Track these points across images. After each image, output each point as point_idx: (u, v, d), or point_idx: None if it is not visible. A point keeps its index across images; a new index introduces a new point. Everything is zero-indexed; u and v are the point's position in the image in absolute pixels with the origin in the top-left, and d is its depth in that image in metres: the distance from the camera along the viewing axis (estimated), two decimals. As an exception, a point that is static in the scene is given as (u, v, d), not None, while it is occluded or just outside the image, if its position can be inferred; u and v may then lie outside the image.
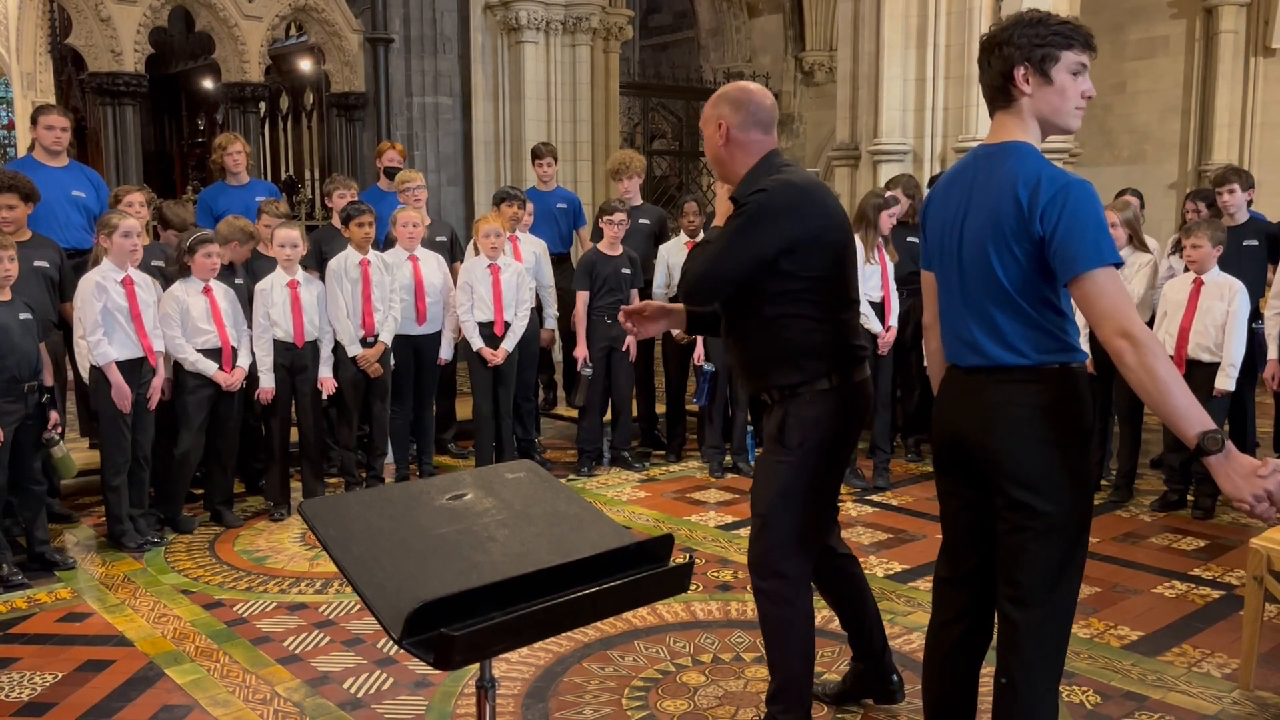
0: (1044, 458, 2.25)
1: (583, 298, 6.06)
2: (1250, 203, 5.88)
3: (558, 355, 7.50)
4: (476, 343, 5.75)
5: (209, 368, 4.99)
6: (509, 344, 5.79)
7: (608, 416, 6.31)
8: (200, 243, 5.00)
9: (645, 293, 6.42)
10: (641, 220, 6.63)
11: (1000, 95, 2.31)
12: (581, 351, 6.04)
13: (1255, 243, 5.72)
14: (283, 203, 6.14)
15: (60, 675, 3.56)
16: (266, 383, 5.22)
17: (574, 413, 6.64)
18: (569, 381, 7.46)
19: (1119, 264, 2.16)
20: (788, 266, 2.71)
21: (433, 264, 5.89)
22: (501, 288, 5.76)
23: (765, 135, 2.79)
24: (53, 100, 13.84)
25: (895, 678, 3.20)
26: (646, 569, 2.00)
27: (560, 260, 7.09)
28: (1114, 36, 10.59)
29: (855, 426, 2.87)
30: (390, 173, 7.01)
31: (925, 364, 3.19)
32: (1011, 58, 2.25)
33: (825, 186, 2.87)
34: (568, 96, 9.73)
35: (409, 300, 5.75)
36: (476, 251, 5.89)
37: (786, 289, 2.73)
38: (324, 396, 5.48)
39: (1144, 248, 5.57)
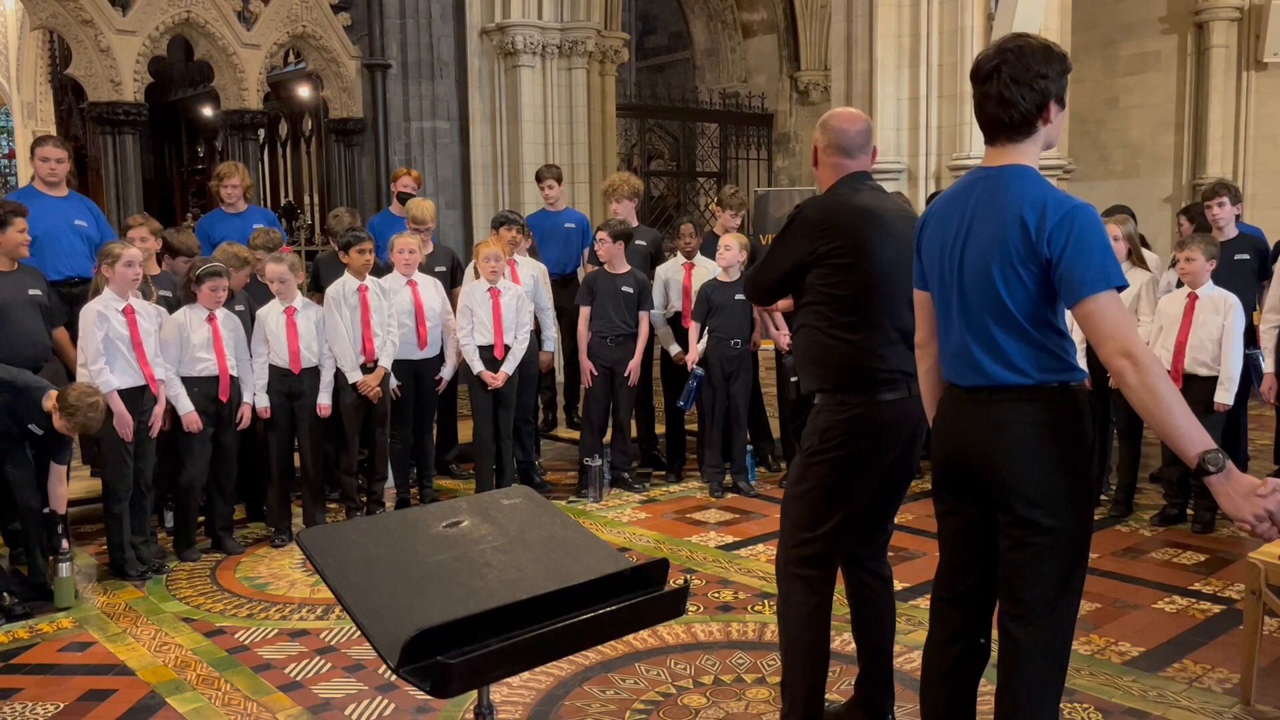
0: (1049, 475, 2.27)
1: (584, 313, 6.09)
2: (1239, 217, 5.91)
3: (560, 376, 7.52)
4: (477, 366, 5.76)
5: (184, 406, 4.97)
6: (509, 367, 5.81)
7: (607, 438, 6.31)
8: (210, 275, 5.03)
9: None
10: (638, 242, 6.65)
11: (1024, 126, 2.31)
12: (586, 365, 6.08)
13: (1246, 257, 5.75)
14: (275, 231, 6.16)
15: (62, 705, 3.56)
16: (260, 402, 5.26)
17: (574, 434, 6.66)
18: (570, 402, 7.49)
19: (1123, 286, 2.20)
20: (812, 279, 2.90)
21: (431, 288, 5.92)
22: (501, 311, 5.78)
23: (847, 159, 2.96)
24: (53, 129, 13.95)
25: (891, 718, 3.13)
26: (643, 593, 2.02)
27: (568, 280, 7.10)
28: (1106, 52, 10.65)
29: (870, 447, 2.87)
30: (404, 198, 7.03)
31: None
32: (1048, 91, 2.29)
33: (880, 211, 2.89)
34: (564, 119, 9.78)
35: (409, 325, 5.77)
36: (476, 275, 5.92)
37: (809, 301, 2.94)
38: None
39: (1142, 263, 5.59)
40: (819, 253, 2.84)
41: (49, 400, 4.32)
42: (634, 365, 6.09)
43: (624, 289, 6.05)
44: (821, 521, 2.91)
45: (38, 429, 4.36)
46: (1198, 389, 4.99)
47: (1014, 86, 2.28)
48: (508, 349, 5.81)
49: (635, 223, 6.80)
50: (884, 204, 2.94)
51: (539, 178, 7.38)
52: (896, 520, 5.45)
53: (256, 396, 5.27)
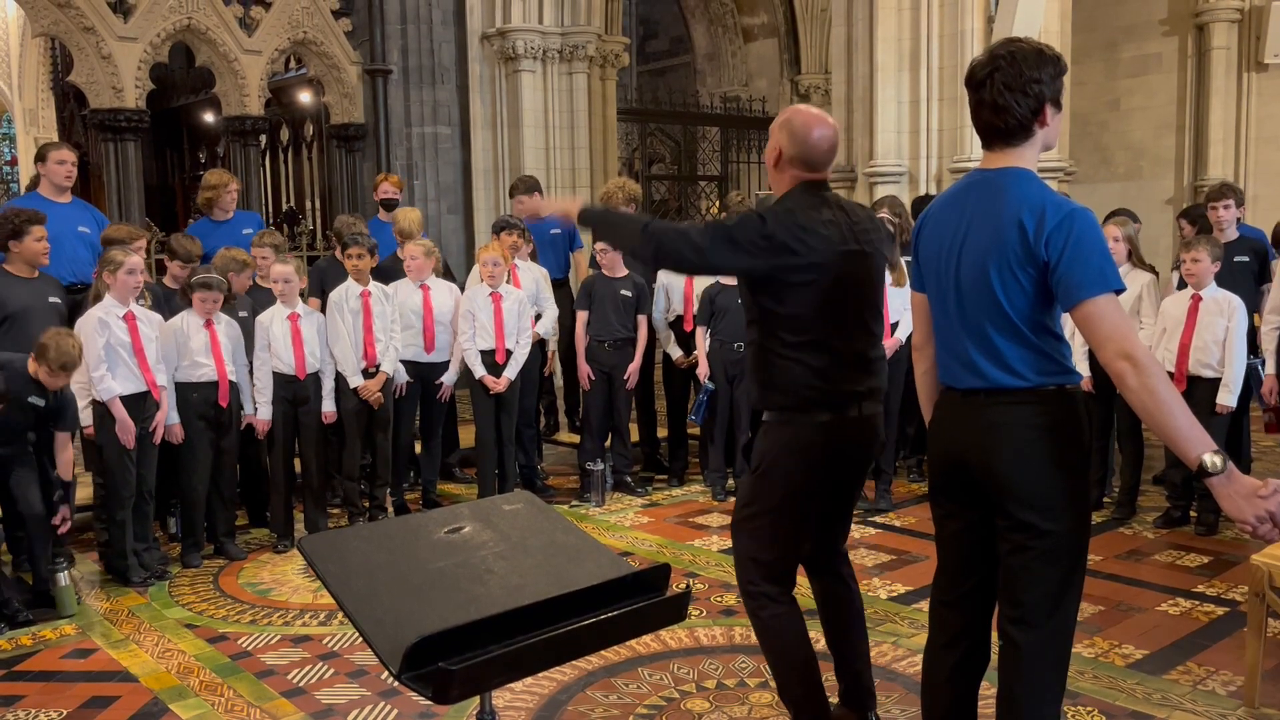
0: (1048, 478, 2.28)
1: (581, 317, 6.09)
2: (1240, 219, 5.89)
3: (559, 381, 7.52)
4: (479, 371, 5.77)
5: (171, 417, 4.99)
6: (511, 372, 5.81)
7: (608, 442, 6.31)
8: (199, 286, 5.04)
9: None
10: None
11: (1021, 131, 2.31)
12: (584, 369, 6.06)
13: (1246, 259, 5.73)
14: (275, 233, 6.15)
15: (65, 712, 3.56)
16: (263, 414, 5.25)
17: (575, 438, 6.65)
18: (571, 407, 7.48)
19: (1120, 290, 2.20)
20: (764, 295, 2.80)
21: (444, 292, 5.93)
22: (503, 316, 5.78)
23: (810, 172, 2.84)
24: (55, 136, 13.98)
25: (873, 717, 3.12)
26: (644, 599, 2.02)
27: (558, 285, 7.09)
28: (1107, 54, 10.64)
29: (818, 466, 2.83)
30: (387, 205, 7.05)
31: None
32: (1043, 95, 2.29)
33: (839, 228, 2.76)
34: (565, 124, 9.78)
35: (417, 327, 5.77)
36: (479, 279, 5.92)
37: (760, 317, 2.85)
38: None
39: (1143, 265, 5.58)
40: (776, 268, 2.73)
41: (31, 362, 4.33)
42: (633, 369, 6.10)
43: (622, 293, 6.05)
44: (774, 540, 2.90)
45: (38, 400, 4.38)
46: (1202, 391, 4.98)
47: (1008, 93, 2.28)
48: (509, 354, 5.81)
49: None
50: (840, 219, 2.81)
51: (510, 192, 7.31)
52: (897, 523, 5.48)
53: (259, 408, 5.27)
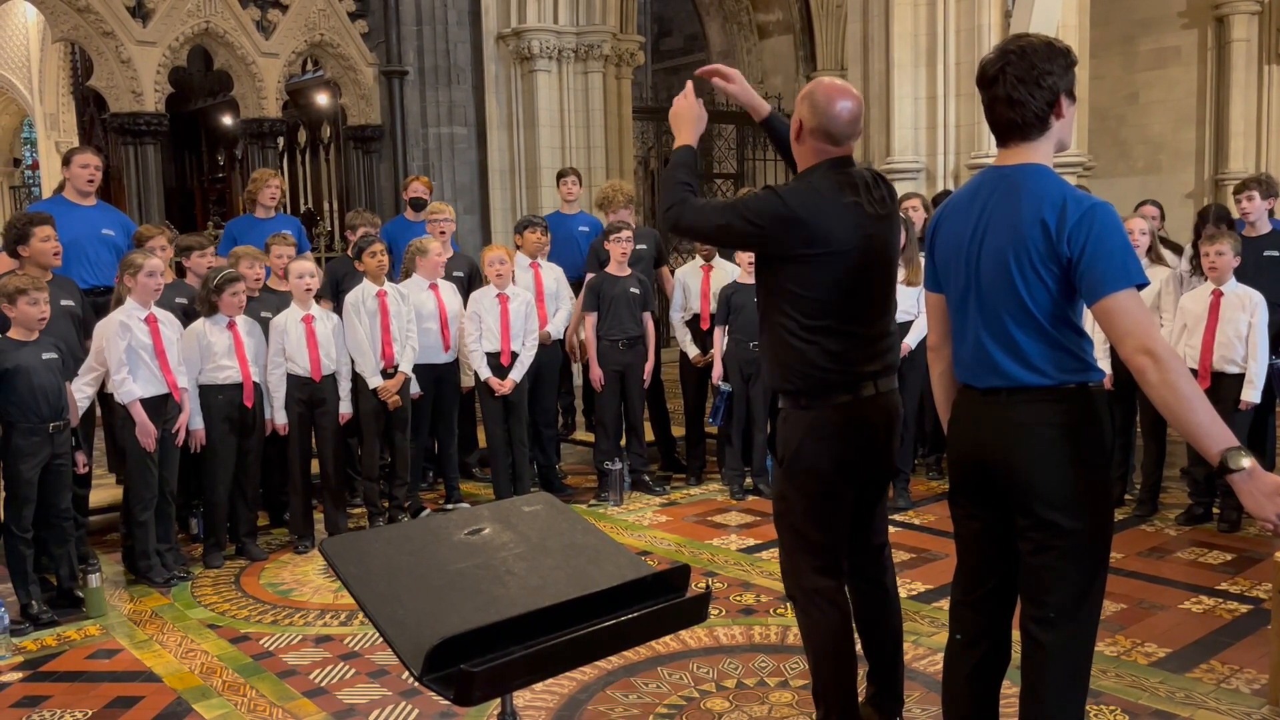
0: (1070, 476, 2.26)
1: (590, 319, 6.09)
2: (1272, 212, 5.80)
3: (578, 380, 7.52)
4: (485, 373, 5.76)
5: (194, 422, 5.04)
6: (516, 374, 5.80)
7: (623, 441, 6.31)
8: (228, 282, 5.08)
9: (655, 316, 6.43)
10: (639, 245, 6.62)
11: (1037, 124, 2.30)
12: (596, 373, 6.07)
13: (1276, 253, 5.64)
14: (290, 235, 6.21)
15: (90, 712, 3.59)
16: (279, 419, 5.29)
17: (592, 437, 6.66)
18: (589, 406, 7.48)
19: (1144, 284, 2.19)
20: (782, 275, 2.78)
21: (449, 292, 5.94)
22: (510, 317, 5.77)
23: (832, 145, 2.78)
24: (75, 140, 14.09)
25: None
26: (665, 599, 2.02)
27: (581, 284, 7.10)
28: (1125, 48, 10.58)
29: (843, 447, 2.81)
30: (417, 204, 7.10)
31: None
32: (1056, 87, 2.28)
33: (860, 209, 2.73)
34: (581, 123, 9.79)
35: (433, 329, 5.78)
36: (486, 280, 5.92)
37: (776, 298, 2.82)
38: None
39: (1161, 260, 5.53)
40: (795, 251, 2.71)
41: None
42: (649, 368, 6.12)
43: (631, 290, 6.07)
44: (818, 530, 2.87)
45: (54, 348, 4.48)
46: (1227, 387, 4.94)
47: (1022, 86, 2.27)
48: (515, 356, 5.80)
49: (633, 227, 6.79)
50: (863, 200, 2.77)
51: (561, 174, 7.38)
52: (917, 521, 5.46)
53: (275, 413, 5.30)
